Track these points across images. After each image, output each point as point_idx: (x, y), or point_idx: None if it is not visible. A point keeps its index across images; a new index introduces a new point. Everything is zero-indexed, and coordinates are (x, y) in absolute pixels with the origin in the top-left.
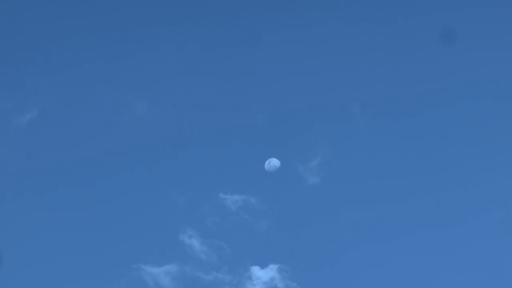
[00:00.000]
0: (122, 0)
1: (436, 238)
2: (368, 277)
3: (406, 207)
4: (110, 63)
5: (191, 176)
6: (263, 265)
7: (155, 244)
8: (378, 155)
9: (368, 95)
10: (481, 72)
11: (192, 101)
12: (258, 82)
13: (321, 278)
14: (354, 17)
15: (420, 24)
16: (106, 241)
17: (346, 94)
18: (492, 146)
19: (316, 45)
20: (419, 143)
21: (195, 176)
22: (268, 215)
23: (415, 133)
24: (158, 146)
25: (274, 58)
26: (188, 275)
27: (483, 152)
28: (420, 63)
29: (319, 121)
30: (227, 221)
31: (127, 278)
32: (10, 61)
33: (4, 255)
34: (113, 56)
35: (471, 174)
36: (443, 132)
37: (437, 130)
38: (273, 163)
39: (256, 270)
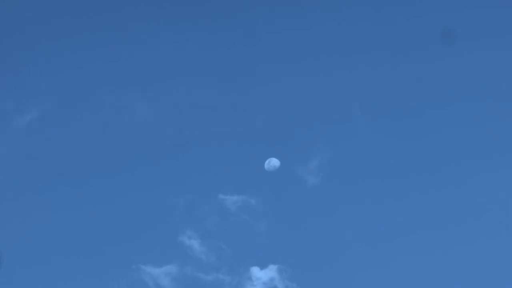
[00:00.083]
0: (122, 0)
1: (436, 238)
2: (368, 278)
3: (406, 207)
4: (110, 63)
5: (191, 176)
6: (262, 266)
7: (155, 244)
8: (378, 155)
9: (368, 95)
10: (481, 72)
11: (192, 101)
12: (258, 82)
13: (321, 279)
14: (354, 17)
15: (420, 24)
16: (106, 241)
17: (346, 94)
18: (492, 146)
19: (316, 45)
20: (419, 143)
21: (195, 176)
22: (267, 215)
23: (415, 133)
24: (158, 146)
25: (274, 58)
26: (187, 276)
27: (483, 152)
28: (420, 63)
29: (319, 121)
30: (227, 222)
31: (127, 279)
32: (10, 61)
33: (4, 255)
34: (113, 56)
35: (471, 174)
36: (443, 132)
37: (437, 130)
38: (273, 163)
39: (255, 271)
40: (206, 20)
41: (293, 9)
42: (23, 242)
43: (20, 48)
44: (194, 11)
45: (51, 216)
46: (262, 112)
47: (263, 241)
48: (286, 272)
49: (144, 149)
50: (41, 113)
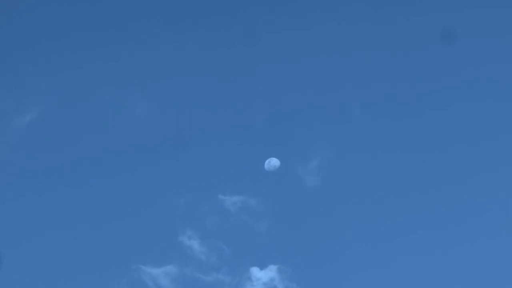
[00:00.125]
0: (122, 0)
1: (436, 238)
2: (368, 278)
3: (406, 207)
4: (110, 63)
5: (191, 176)
6: (262, 266)
7: (155, 244)
8: (378, 155)
9: (368, 95)
10: (481, 72)
11: (192, 101)
12: (258, 82)
13: (320, 279)
14: (354, 17)
15: (420, 24)
16: (106, 241)
17: (346, 94)
18: (492, 146)
19: (316, 45)
20: (419, 143)
21: (195, 176)
22: (267, 216)
23: (415, 133)
24: (158, 146)
25: (274, 58)
26: (187, 276)
27: (483, 152)
28: (420, 63)
29: (319, 121)
30: (227, 222)
31: (127, 279)
32: (10, 61)
33: (4, 255)
34: (113, 56)
35: (471, 174)
36: (443, 132)
37: (437, 130)
38: (273, 162)
39: (255, 271)
40: (206, 20)
41: (293, 9)
42: (23, 242)
43: (20, 48)
44: (194, 11)
45: (51, 216)
46: (262, 112)
47: (263, 241)
48: (286, 272)
49: (144, 149)
50: (41, 113)
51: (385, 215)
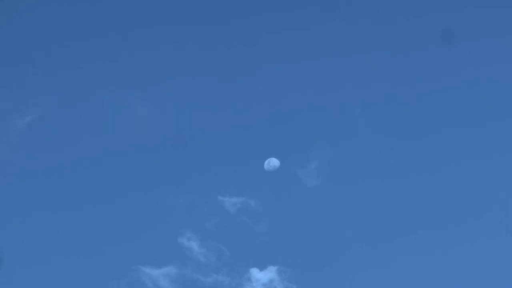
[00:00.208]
0: (122, 0)
1: (436, 238)
2: (368, 278)
3: (406, 207)
4: (110, 63)
5: (191, 177)
6: (262, 267)
7: (154, 245)
8: (378, 156)
9: (368, 95)
10: (481, 72)
11: (192, 101)
12: (258, 82)
13: (320, 280)
14: (354, 17)
15: (420, 24)
16: (105, 242)
17: (346, 94)
18: (492, 146)
19: (316, 45)
20: (419, 143)
21: (195, 177)
22: (267, 217)
23: (415, 133)
24: (158, 146)
25: (274, 58)
26: (187, 277)
27: (483, 152)
28: (420, 63)
29: (319, 121)
30: (226, 223)
31: (126, 279)
32: (10, 61)
33: (4, 255)
34: (113, 56)
35: (471, 174)
36: (443, 132)
37: (437, 130)
38: (272, 162)
39: (255, 272)
40: (206, 20)
41: (293, 9)
42: (23, 242)
43: (20, 48)
44: (194, 11)
45: (51, 216)
46: (262, 112)
47: (262, 242)
48: (285, 273)
49: (144, 149)
50: (41, 113)
51: (385, 215)
